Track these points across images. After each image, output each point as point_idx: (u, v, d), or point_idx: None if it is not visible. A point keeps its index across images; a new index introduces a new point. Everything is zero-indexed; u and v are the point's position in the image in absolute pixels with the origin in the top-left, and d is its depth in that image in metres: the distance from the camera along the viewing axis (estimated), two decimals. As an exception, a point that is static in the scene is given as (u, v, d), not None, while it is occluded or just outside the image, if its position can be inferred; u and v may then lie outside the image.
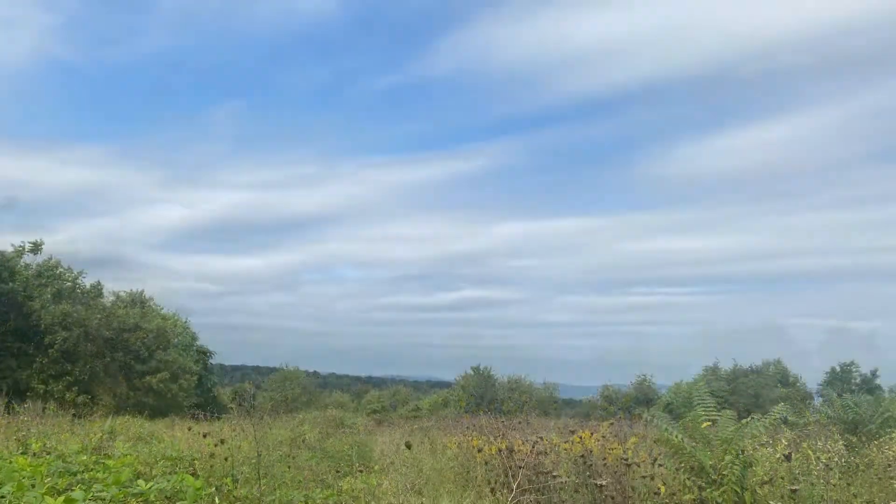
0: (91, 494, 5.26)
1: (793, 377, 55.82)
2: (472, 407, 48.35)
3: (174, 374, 35.94)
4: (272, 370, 67.38)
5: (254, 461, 8.50)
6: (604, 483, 7.13)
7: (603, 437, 11.84)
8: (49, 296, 32.69)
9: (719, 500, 6.81)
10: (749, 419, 7.55)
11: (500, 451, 9.05)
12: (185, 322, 46.10)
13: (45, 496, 4.65)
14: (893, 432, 11.16)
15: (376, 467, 9.96)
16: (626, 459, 8.00)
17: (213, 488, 7.22)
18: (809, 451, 10.18)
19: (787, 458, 8.10)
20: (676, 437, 7.47)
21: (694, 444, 7.46)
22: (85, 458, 8.37)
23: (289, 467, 9.83)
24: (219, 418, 25.59)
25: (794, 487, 6.42)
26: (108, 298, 38.35)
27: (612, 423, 14.79)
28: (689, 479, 7.30)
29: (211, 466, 9.21)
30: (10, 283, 31.65)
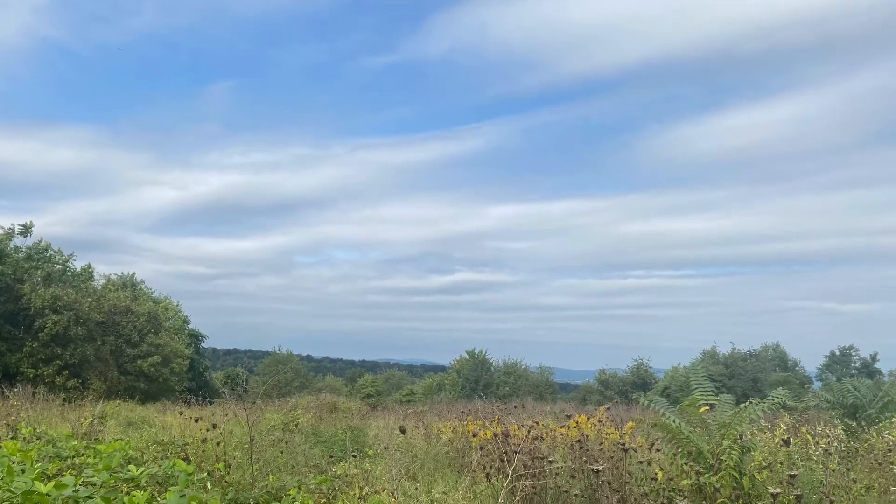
0: (81, 480, 5.14)
1: (792, 361, 56.25)
2: (467, 391, 48.59)
3: (166, 358, 35.81)
4: (265, 354, 67.52)
5: (246, 446, 8.41)
6: (600, 468, 7.05)
7: (599, 421, 11.81)
8: (39, 279, 32.46)
9: (717, 485, 6.75)
10: (747, 404, 7.48)
11: (495, 435, 8.99)
12: (177, 305, 46.06)
13: (35, 481, 4.52)
14: (893, 417, 11.15)
15: (370, 452, 9.87)
16: (623, 444, 7.92)
17: (206, 473, 7.12)
18: (808, 436, 10.15)
19: (786, 443, 8.05)
20: (674, 421, 7.40)
21: (692, 428, 7.40)
22: (75, 443, 8.24)
23: (282, 452, 9.75)
24: (211, 403, 25.55)
25: (792, 473, 6.35)
26: (98, 281, 38.23)
27: (608, 408, 14.78)
28: (686, 464, 7.24)
29: (203, 451, 9.13)
30: (0, 266, 31.39)
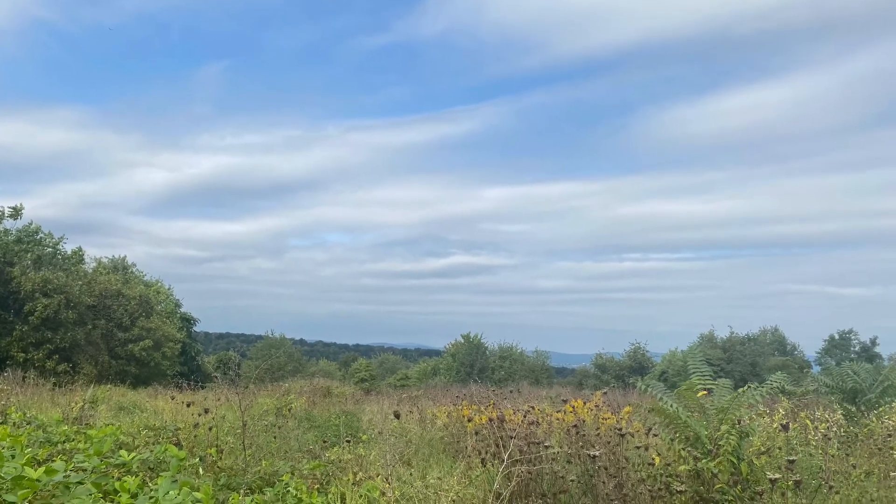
0: (72, 465, 5.06)
1: (790, 345, 56.35)
2: (463, 376, 48.64)
3: (157, 342, 35.66)
4: (257, 338, 67.41)
5: (239, 431, 8.32)
6: (597, 454, 7.00)
7: (596, 406, 11.76)
8: (29, 262, 32.23)
9: (715, 470, 6.69)
10: (746, 388, 7.42)
11: (490, 420, 8.90)
12: (169, 289, 45.88)
13: (25, 466, 4.42)
14: (893, 401, 11.15)
15: (364, 437, 9.80)
16: (620, 429, 7.87)
17: (198, 459, 7.05)
18: (807, 421, 10.14)
19: (785, 427, 8.01)
20: (671, 406, 7.33)
21: (689, 413, 7.33)
22: (66, 427, 8.15)
23: (274, 437, 9.68)
24: (203, 387, 25.42)
25: (791, 458, 6.30)
26: (89, 264, 37.98)
27: (605, 393, 14.74)
28: (684, 449, 7.18)
29: (195, 436, 9.04)
30: (-11, 250, 31.17)
